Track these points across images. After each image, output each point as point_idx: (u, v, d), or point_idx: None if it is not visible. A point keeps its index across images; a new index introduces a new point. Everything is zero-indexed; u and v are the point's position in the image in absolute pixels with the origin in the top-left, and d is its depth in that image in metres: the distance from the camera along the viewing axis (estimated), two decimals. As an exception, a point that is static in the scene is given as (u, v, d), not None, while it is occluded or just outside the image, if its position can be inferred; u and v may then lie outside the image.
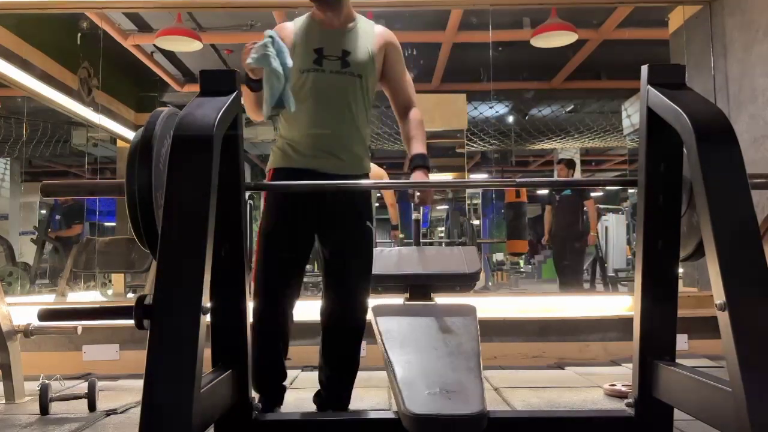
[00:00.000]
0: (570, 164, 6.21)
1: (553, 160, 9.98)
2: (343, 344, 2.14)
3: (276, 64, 1.85)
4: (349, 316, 2.11)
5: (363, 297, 2.10)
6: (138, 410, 1.17)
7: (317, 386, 2.21)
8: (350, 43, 2.07)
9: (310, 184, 1.97)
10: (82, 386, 2.66)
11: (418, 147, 2.06)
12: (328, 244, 2.12)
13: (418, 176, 1.99)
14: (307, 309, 3.73)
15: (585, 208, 5.92)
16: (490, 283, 8.30)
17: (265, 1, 4.35)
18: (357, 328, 2.12)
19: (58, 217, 6.61)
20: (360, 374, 2.07)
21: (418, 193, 2.03)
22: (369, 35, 2.11)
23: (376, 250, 2.28)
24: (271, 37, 1.88)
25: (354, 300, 2.09)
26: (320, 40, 2.07)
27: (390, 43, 2.13)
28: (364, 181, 2.10)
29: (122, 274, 5.58)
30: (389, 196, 5.23)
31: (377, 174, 4.89)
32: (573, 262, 5.97)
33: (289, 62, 1.88)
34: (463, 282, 2.15)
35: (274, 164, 2.09)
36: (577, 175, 9.50)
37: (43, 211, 7.73)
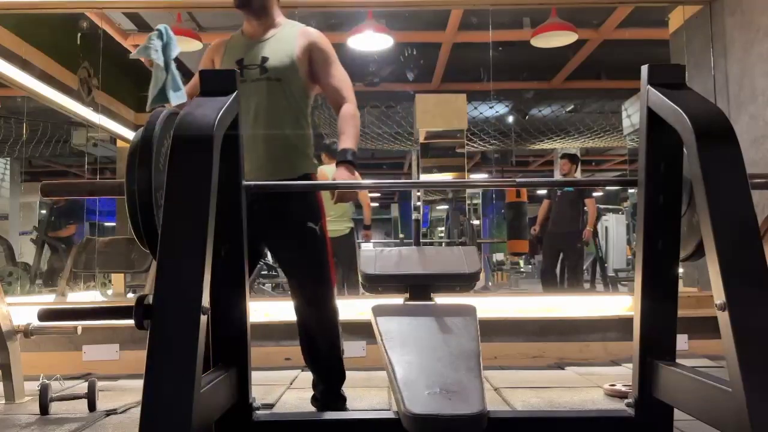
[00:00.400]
0: (573, 159, 6.13)
1: (553, 160, 9.98)
2: (318, 349, 2.15)
3: (156, 55, 1.88)
4: (313, 321, 2.11)
5: (321, 299, 2.09)
6: (138, 410, 1.17)
7: (317, 386, 2.22)
8: (270, 50, 2.09)
9: (309, 184, 1.98)
10: (82, 386, 2.66)
11: (344, 142, 2.05)
12: (274, 254, 2.13)
13: (340, 170, 1.98)
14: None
15: (585, 207, 5.89)
16: (490, 283, 8.31)
17: (265, 1, 4.34)
18: (325, 330, 2.12)
19: (52, 218, 6.62)
20: (360, 374, 2.07)
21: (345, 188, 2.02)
22: (292, 39, 2.12)
23: (376, 250, 2.28)
24: (158, 29, 1.92)
25: (312, 305, 2.10)
26: (243, 51, 2.11)
27: (313, 43, 2.12)
28: (353, 182, 2.10)
29: (122, 274, 5.58)
30: (364, 196, 5.25)
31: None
32: (571, 262, 5.94)
33: (174, 54, 1.90)
34: (463, 282, 2.15)
35: None
36: (577, 174, 9.51)
37: (43, 211, 7.74)
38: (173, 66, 1.98)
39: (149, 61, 1.97)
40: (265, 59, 2.08)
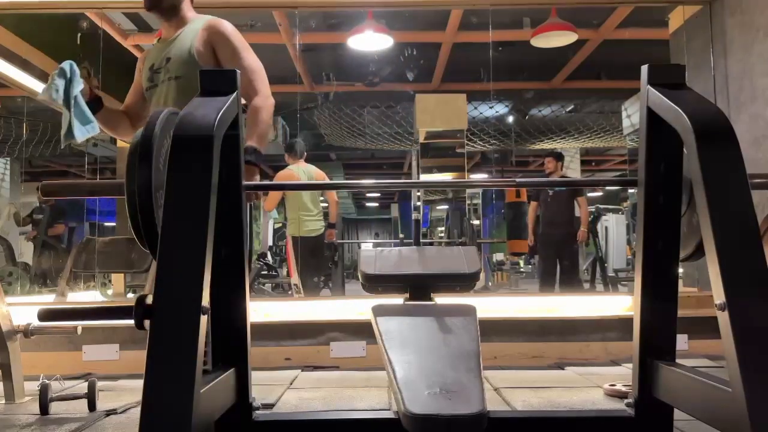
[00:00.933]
0: (558, 157, 6.06)
1: (553, 160, 9.98)
2: None
3: (56, 95, 1.89)
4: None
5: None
6: (138, 410, 1.17)
7: (317, 386, 2.21)
8: (174, 49, 2.07)
9: (306, 183, 1.98)
10: (82, 386, 2.66)
11: (246, 140, 1.95)
12: None
13: None
14: (307, 309, 3.75)
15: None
16: (490, 283, 8.32)
17: (265, 1, 4.35)
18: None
19: (40, 216, 6.68)
20: (360, 374, 2.08)
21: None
22: (193, 33, 2.07)
23: (376, 250, 2.28)
24: (61, 67, 1.93)
25: None
26: (155, 57, 2.10)
27: (215, 33, 2.05)
28: (350, 182, 2.10)
29: (122, 274, 5.59)
30: (331, 194, 5.28)
31: (320, 175, 5.01)
32: (569, 263, 5.92)
33: (75, 91, 1.92)
34: (463, 282, 2.15)
35: None
36: (577, 174, 9.52)
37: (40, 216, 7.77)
38: (80, 100, 1.98)
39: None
40: (168, 59, 2.05)
